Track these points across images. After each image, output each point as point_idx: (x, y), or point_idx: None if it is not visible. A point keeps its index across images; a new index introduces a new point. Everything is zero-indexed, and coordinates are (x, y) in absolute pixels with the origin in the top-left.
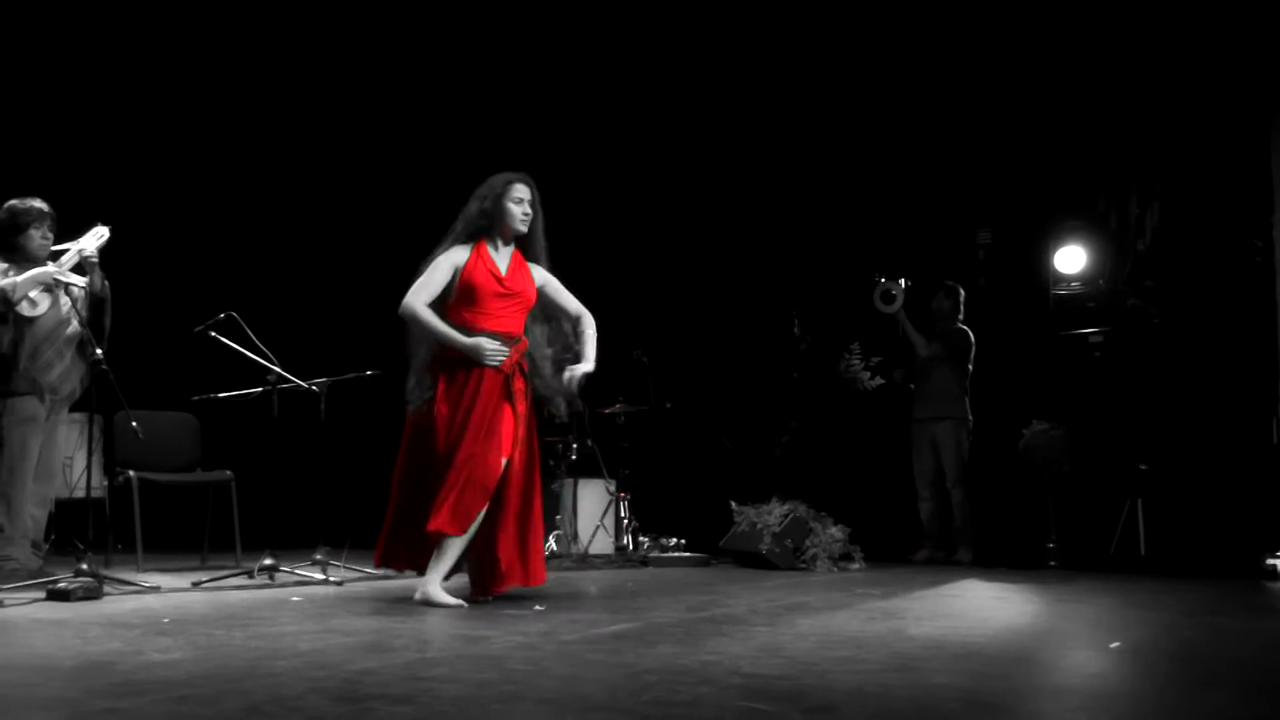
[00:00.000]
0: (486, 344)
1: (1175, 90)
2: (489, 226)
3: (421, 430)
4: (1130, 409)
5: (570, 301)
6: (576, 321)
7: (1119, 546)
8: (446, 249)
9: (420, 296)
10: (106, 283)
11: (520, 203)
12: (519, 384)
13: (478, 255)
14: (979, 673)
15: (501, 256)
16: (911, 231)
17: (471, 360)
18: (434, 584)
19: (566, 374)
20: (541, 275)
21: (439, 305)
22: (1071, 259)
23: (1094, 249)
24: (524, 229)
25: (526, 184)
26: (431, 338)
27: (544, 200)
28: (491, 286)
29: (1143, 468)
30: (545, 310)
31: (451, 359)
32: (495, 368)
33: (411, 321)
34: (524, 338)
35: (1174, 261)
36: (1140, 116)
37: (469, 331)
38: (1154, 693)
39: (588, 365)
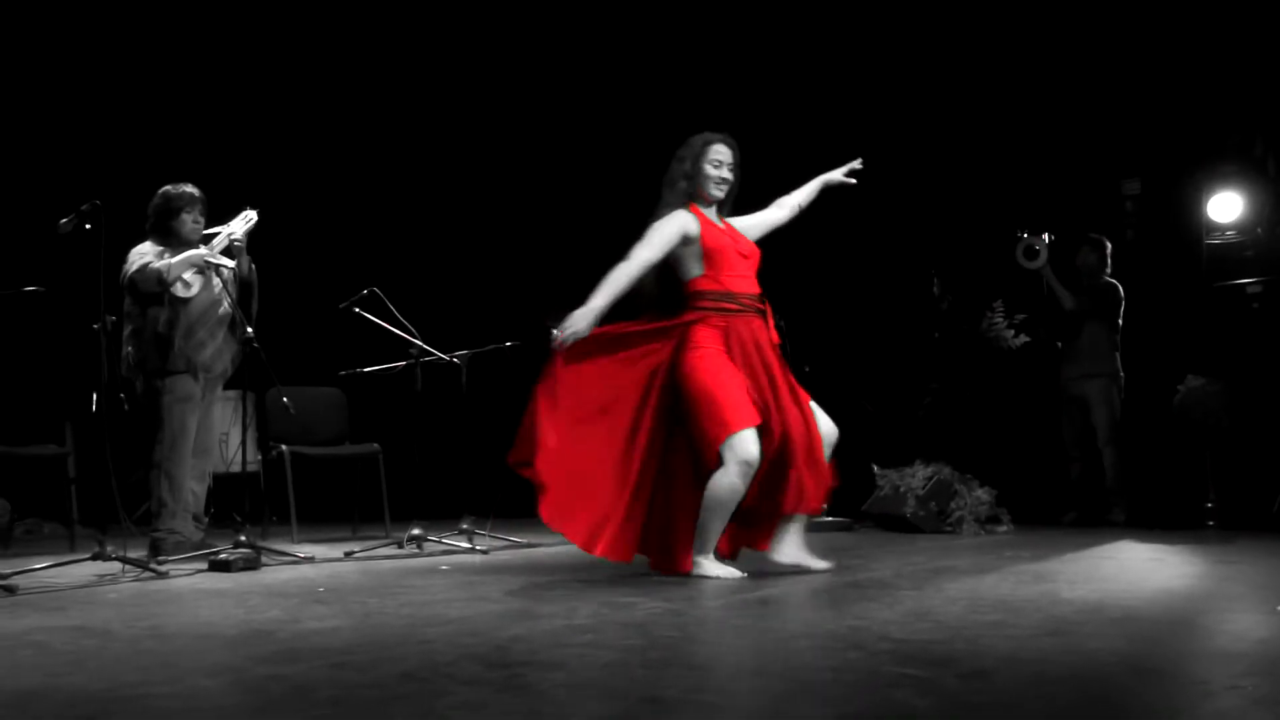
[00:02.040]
0: (580, 318)
1: None
2: (691, 191)
3: None
4: None
5: (777, 210)
6: (783, 211)
7: None
8: (666, 216)
9: (637, 252)
10: (254, 266)
11: (720, 166)
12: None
13: (704, 219)
14: (1138, 637)
15: (714, 218)
16: (1054, 183)
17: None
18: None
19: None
20: (748, 223)
21: (683, 284)
22: (1226, 207)
23: (1250, 195)
24: (720, 195)
25: (727, 145)
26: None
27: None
28: (729, 246)
29: None
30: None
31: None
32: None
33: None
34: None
35: None
36: None
37: (725, 296)
38: None
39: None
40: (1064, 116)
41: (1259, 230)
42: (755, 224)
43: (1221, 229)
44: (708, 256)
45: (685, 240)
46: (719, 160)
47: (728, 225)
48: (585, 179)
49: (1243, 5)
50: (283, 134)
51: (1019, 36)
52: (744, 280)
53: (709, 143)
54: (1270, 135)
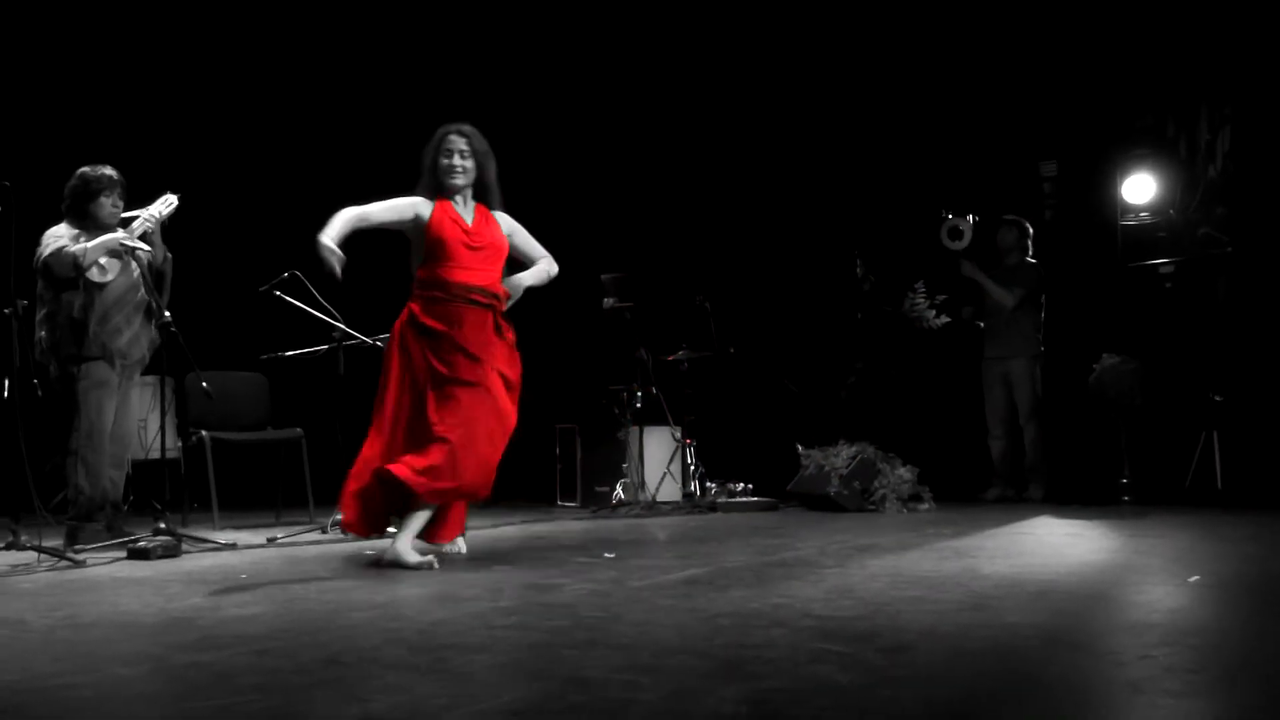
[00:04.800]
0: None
1: (1245, 9)
2: (436, 182)
3: None
4: (1203, 340)
5: (536, 249)
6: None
7: (1194, 481)
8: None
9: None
10: (170, 256)
11: (450, 154)
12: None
13: (442, 210)
14: (1055, 610)
15: (466, 210)
16: (974, 166)
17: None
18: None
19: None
20: (509, 224)
21: (414, 265)
22: (1140, 188)
23: (1163, 177)
24: (458, 181)
25: (461, 134)
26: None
27: (606, 150)
28: (459, 238)
29: (1217, 399)
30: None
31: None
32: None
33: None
34: (504, 289)
35: (1246, 188)
36: (1208, 37)
37: (443, 285)
38: (1235, 627)
39: (521, 278)
40: (982, 99)
41: (1171, 212)
42: (520, 239)
43: (1136, 210)
44: (430, 246)
45: (416, 220)
46: (450, 149)
47: (482, 215)
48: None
49: None
50: (203, 115)
51: (939, 20)
52: (469, 272)
53: (444, 134)
54: (1182, 118)
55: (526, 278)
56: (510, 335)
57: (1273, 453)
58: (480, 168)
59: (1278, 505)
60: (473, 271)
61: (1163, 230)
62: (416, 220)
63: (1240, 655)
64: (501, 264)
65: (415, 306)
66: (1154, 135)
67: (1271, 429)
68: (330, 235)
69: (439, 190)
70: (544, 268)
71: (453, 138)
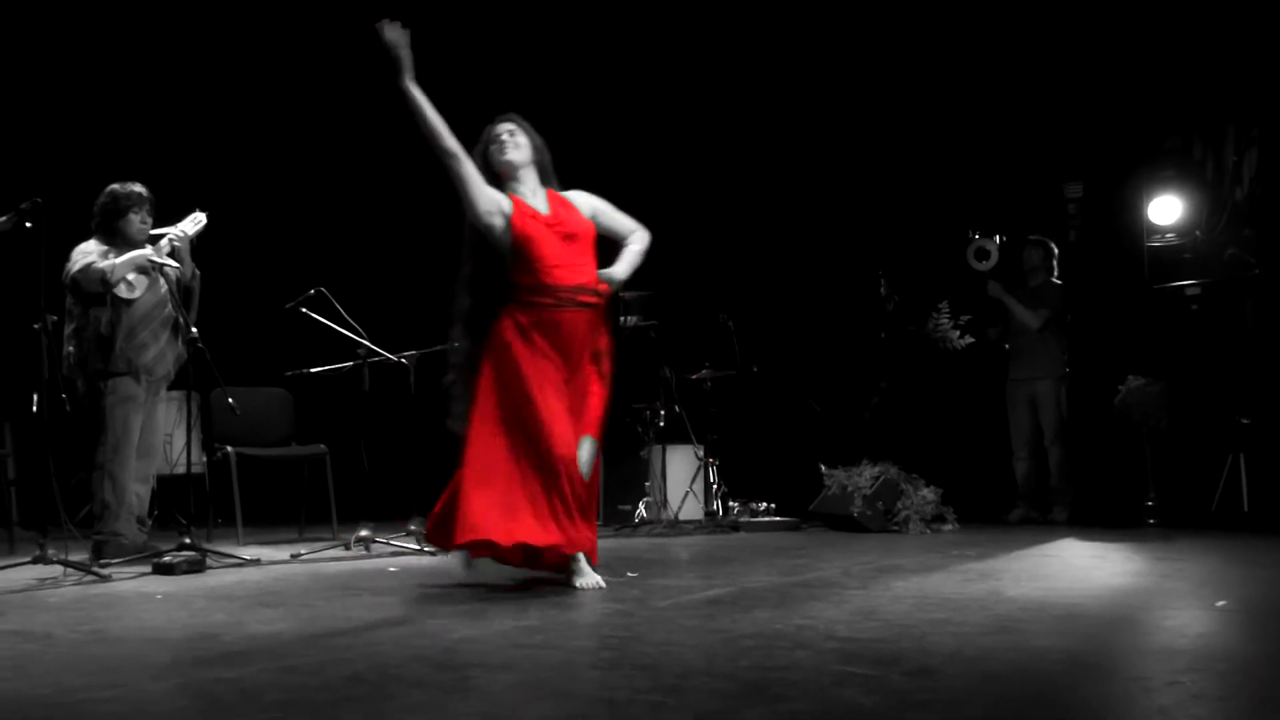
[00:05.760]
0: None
1: (1272, 30)
2: (493, 175)
3: None
4: (1230, 362)
5: (624, 223)
6: (627, 239)
7: (1220, 503)
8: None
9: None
10: (197, 273)
11: (498, 138)
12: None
13: (518, 206)
14: (1081, 634)
15: (538, 200)
16: (999, 186)
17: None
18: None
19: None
20: (589, 203)
21: (498, 279)
22: (1166, 210)
23: (1189, 199)
24: (514, 157)
25: (504, 119)
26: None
27: (628, 167)
28: (543, 232)
29: (1244, 422)
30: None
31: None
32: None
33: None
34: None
35: (1273, 210)
36: (1235, 59)
37: (544, 289)
38: (1264, 653)
39: (615, 270)
40: (1008, 120)
41: (1198, 233)
42: (605, 216)
43: (1161, 231)
44: (518, 247)
45: (502, 215)
46: (497, 133)
47: (556, 200)
48: None
49: (1181, 11)
50: (231, 134)
51: (966, 41)
52: (568, 269)
53: (491, 126)
54: (1209, 139)
55: (622, 269)
56: (606, 340)
57: None
58: (535, 149)
59: None
60: (571, 267)
61: (1189, 252)
62: (503, 216)
63: (1269, 682)
64: (594, 250)
65: (523, 318)
66: (1180, 156)
67: None
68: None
69: (499, 185)
70: (636, 249)
71: (496, 126)
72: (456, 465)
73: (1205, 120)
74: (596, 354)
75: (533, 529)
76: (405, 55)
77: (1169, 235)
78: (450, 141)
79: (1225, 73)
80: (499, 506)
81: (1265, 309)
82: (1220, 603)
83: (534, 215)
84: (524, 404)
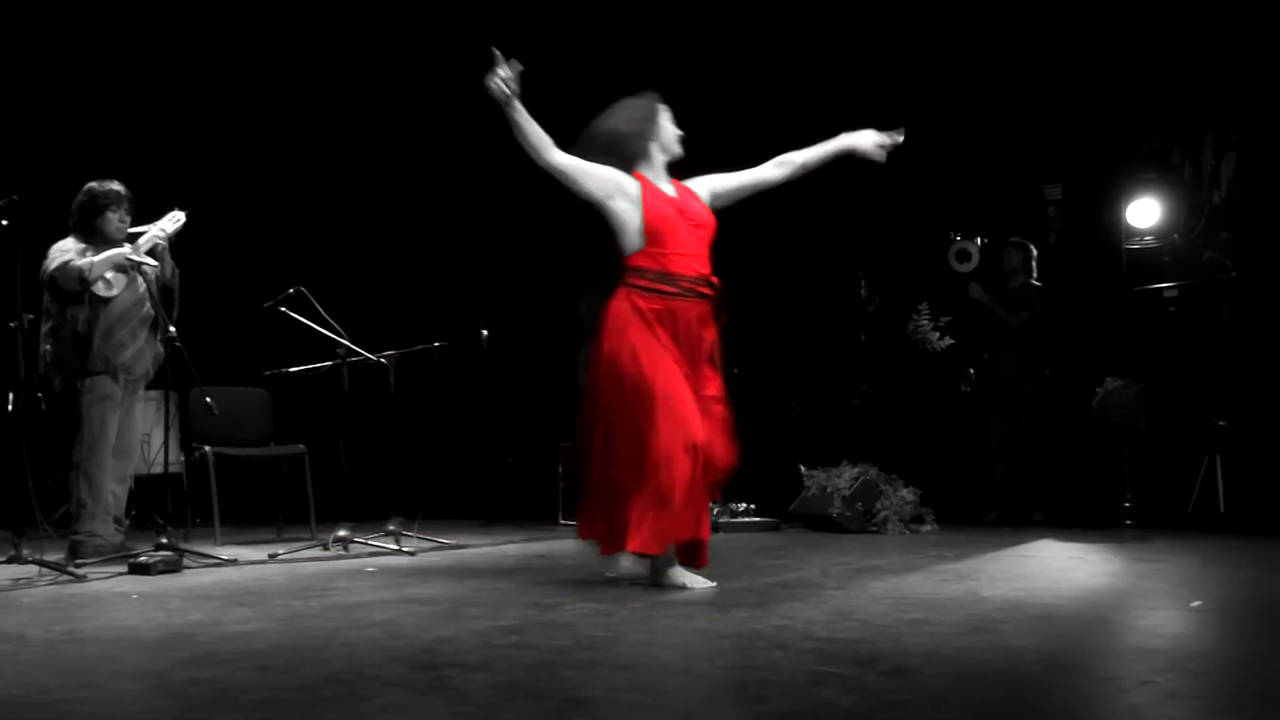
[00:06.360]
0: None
1: (1249, 33)
2: (644, 152)
3: None
4: (1207, 364)
5: (745, 176)
6: (780, 169)
7: (1197, 505)
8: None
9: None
10: (177, 271)
11: (673, 121)
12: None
13: (646, 185)
14: (1057, 634)
15: (667, 185)
16: (978, 189)
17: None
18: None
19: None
20: (706, 188)
21: (616, 261)
22: (1144, 213)
23: (1168, 202)
24: (680, 151)
25: (661, 102)
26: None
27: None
28: (674, 217)
29: (1221, 424)
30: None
31: None
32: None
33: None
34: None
35: (1250, 213)
36: (1214, 64)
37: (664, 277)
38: (1239, 653)
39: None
40: (989, 123)
41: (1176, 236)
42: (724, 187)
43: (1140, 234)
44: (650, 228)
45: (623, 194)
46: (670, 117)
47: (681, 189)
48: (515, 180)
49: (1160, 15)
50: (211, 132)
51: (946, 43)
52: (691, 259)
53: (657, 100)
54: (1187, 143)
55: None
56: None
57: (1276, 477)
58: None
59: None
60: (694, 258)
61: (1167, 255)
62: (625, 195)
63: (1243, 682)
64: (711, 245)
65: (640, 302)
66: (1159, 160)
67: (1275, 454)
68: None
69: (634, 161)
70: (813, 151)
71: (663, 107)
72: (590, 452)
73: (1184, 124)
74: (713, 351)
75: (690, 526)
76: (516, 89)
77: (1147, 238)
78: (558, 157)
79: (1204, 77)
80: (660, 507)
81: (1242, 312)
82: (1195, 603)
83: (666, 199)
84: (656, 394)
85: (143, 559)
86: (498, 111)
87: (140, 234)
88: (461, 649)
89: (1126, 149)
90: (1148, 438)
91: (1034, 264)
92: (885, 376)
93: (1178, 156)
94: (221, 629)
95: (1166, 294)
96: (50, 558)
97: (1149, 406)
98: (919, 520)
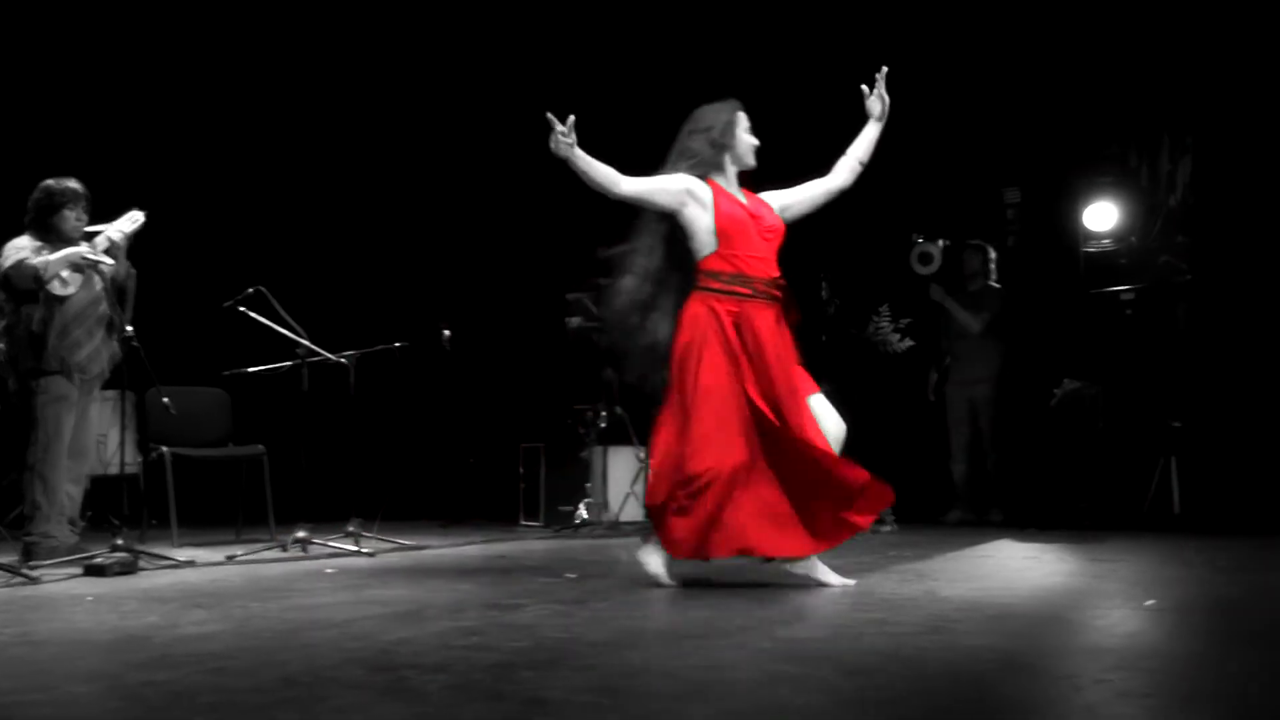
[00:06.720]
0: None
1: (1206, 39)
2: (718, 161)
3: None
4: (1163, 366)
5: (815, 186)
6: (843, 172)
7: (1152, 505)
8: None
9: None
10: (133, 270)
11: (750, 133)
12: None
13: (719, 191)
14: (1013, 633)
15: (738, 191)
16: (938, 191)
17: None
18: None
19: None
20: (779, 201)
21: (689, 264)
22: (1102, 216)
23: (1125, 205)
24: (753, 163)
25: (741, 109)
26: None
27: (565, 172)
28: (748, 223)
29: (1176, 425)
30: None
31: None
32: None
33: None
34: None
35: (1206, 217)
36: (1171, 67)
37: (739, 279)
38: (1191, 651)
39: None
40: (948, 126)
41: (1133, 239)
42: (796, 201)
43: (1098, 237)
44: (724, 232)
45: (695, 201)
46: (748, 126)
47: (752, 197)
48: (477, 179)
49: (1118, 21)
50: (170, 131)
51: (908, 48)
52: (763, 263)
53: (736, 109)
54: (1144, 147)
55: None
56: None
57: (1229, 478)
58: None
59: (1233, 530)
60: (765, 261)
61: (1124, 257)
62: (696, 200)
63: (1195, 680)
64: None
65: (716, 305)
66: (1116, 164)
67: (1228, 455)
68: (581, 155)
69: (709, 168)
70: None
71: (741, 116)
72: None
73: (1141, 129)
74: (793, 353)
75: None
76: (573, 139)
77: (1105, 241)
78: (628, 187)
79: (1161, 83)
80: (761, 514)
81: (1197, 314)
82: (1149, 602)
83: (737, 203)
84: (744, 396)
85: (98, 561)
86: (459, 112)
87: (97, 233)
88: (420, 650)
89: (1085, 153)
90: (1104, 439)
91: (993, 266)
92: (845, 377)
93: (1135, 161)
94: (177, 631)
95: (1123, 296)
96: (4, 560)
97: (1105, 408)
98: (879, 520)
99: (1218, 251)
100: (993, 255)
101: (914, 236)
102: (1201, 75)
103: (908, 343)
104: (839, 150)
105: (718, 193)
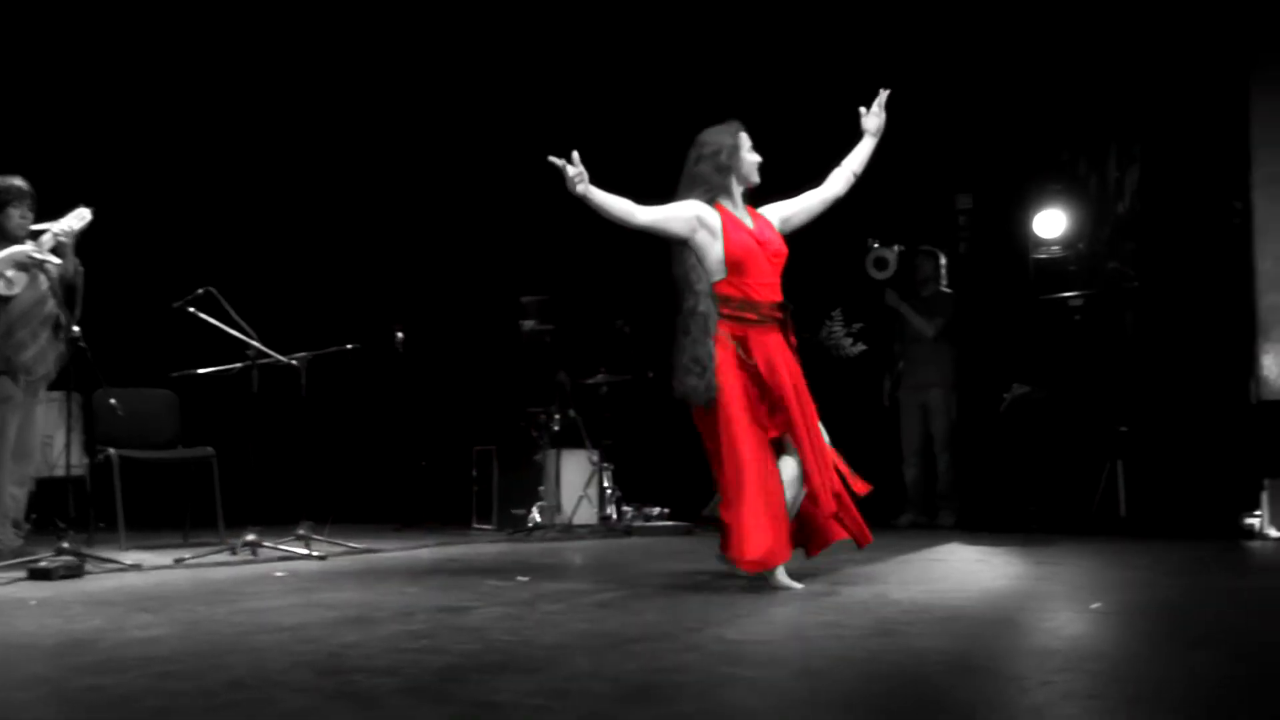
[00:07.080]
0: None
1: (1153, 51)
2: (725, 185)
3: None
4: (1110, 372)
5: (812, 197)
6: (838, 181)
7: (1099, 508)
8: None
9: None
10: (81, 268)
11: (752, 151)
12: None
13: (726, 216)
14: (962, 635)
15: (744, 214)
16: (890, 197)
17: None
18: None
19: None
20: (778, 216)
21: (702, 289)
22: (1051, 223)
23: (1074, 213)
24: (757, 180)
25: (743, 130)
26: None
27: (530, 172)
28: (755, 248)
29: (1123, 430)
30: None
31: None
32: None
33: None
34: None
35: (1153, 224)
36: (1118, 78)
37: (747, 305)
38: (1135, 653)
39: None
40: (899, 132)
41: (1081, 246)
42: (795, 213)
43: (1047, 244)
44: (733, 260)
45: (705, 228)
46: (750, 145)
47: (756, 217)
48: (431, 181)
49: (1068, 32)
50: (118, 128)
51: (863, 54)
52: (770, 288)
53: (739, 131)
54: (1093, 156)
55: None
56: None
57: (1175, 482)
58: None
59: (1178, 534)
60: (771, 286)
61: (1073, 264)
62: (706, 228)
63: (1138, 681)
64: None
65: (730, 331)
66: (1066, 172)
67: (1174, 459)
68: (596, 192)
69: (717, 193)
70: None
71: (744, 137)
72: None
73: (1090, 138)
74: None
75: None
76: (585, 174)
77: (1054, 248)
78: (643, 217)
79: (1109, 93)
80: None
81: (1144, 320)
82: (1095, 605)
83: (745, 230)
84: (765, 420)
85: (43, 564)
86: (414, 115)
87: (43, 231)
88: (370, 653)
89: (1035, 161)
90: (1053, 443)
91: (944, 272)
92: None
93: (1084, 169)
94: (123, 635)
95: (1072, 302)
96: None
97: (1054, 412)
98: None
99: (1165, 258)
100: (944, 261)
101: (869, 241)
102: (1148, 86)
103: (860, 347)
104: (815, 157)
105: (726, 220)
